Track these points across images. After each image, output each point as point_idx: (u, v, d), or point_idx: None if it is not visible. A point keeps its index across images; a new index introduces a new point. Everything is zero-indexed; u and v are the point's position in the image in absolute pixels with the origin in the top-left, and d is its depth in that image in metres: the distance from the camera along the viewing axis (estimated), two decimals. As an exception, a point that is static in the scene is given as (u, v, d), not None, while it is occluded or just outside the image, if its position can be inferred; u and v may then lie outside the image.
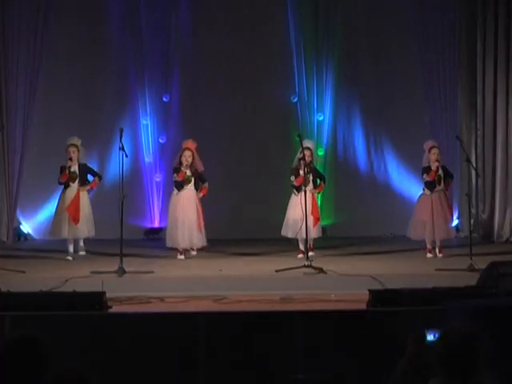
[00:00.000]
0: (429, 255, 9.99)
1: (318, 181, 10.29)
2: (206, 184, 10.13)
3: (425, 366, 4.16)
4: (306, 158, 9.69)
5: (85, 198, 10.15)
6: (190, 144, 10.12)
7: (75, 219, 9.95)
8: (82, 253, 10.17)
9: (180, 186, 10.02)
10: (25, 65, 12.05)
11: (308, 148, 9.89)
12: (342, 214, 12.54)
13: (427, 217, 9.97)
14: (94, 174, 10.36)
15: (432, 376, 3.57)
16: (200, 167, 10.10)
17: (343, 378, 5.92)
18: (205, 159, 10.22)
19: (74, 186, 10.08)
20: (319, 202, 10.91)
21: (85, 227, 10.12)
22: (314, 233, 10.00)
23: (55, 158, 10.97)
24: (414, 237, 10.21)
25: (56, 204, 10.31)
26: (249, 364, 5.96)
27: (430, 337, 4.10)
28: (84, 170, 10.20)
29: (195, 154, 10.05)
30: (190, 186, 10.03)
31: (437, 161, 9.94)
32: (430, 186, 10.02)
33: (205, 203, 10.20)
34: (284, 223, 10.17)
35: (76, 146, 10.15)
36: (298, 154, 9.94)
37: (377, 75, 12.79)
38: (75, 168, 10.10)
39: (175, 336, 5.99)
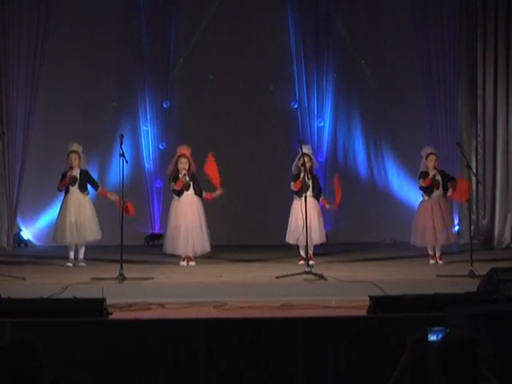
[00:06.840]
0: (431, 261, 9.95)
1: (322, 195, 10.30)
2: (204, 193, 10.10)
3: (423, 371, 4.15)
4: (306, 163, 9.67)
5: (86, 202, 10.03)
6: (185, 150, 10.03)
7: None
8: (83, 264, 9.92)
9: (179, 193, 9.99)
10: (25, 71, 12.08)
11: (306, 154, 9.86)
12: (343, 220, 12.53)
13: (427, 222, 9.93)
14: (93, 183, 10.14)
15: (434, 382, 3.57)
16: (195, 171, 10.06)
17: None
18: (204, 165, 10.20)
19: (74, 190, 9.97)
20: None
21: (88, 231, 9.99)
22: (316, 239, 9.96)
23: (56, 165, 10.96)
24: (415, 243, 10.16)
25: (58, 210, 10.16)
26: (249, 370, 5.95)
27: (433, 337, 4.05)
28: (85, 176, 10.03)
29: (191, 160, 10.02)
30: (190, 191, 10.00)
31: (435, 168, 9.91)
32: (426, 191, 10.00)
33: (205, 209, 10.17)
34: (287, 230, 10.11)
35: (77, 152, 10.04)
36: (297, 160, 9.92)
37: (377, 81, 12.82)
38: (76, 173, 9.98)
39: (175, 342, 5.98)
